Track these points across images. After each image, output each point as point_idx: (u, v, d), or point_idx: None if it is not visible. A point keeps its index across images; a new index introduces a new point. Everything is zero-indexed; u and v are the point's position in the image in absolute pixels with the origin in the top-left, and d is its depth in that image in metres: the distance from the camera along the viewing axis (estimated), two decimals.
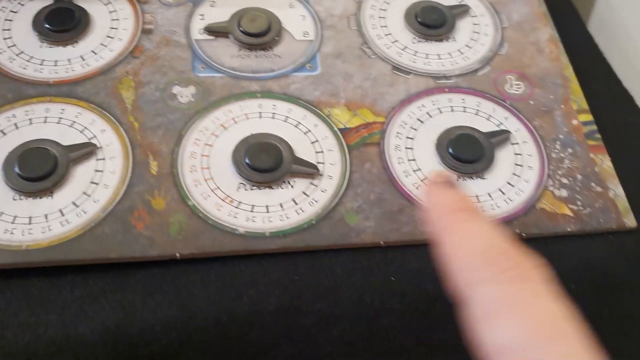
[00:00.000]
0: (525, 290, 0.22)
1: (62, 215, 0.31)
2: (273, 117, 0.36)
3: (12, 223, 0.31)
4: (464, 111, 0.37)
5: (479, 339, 0.22)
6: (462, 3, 0.42)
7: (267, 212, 0.32)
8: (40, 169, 0.32)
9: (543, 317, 0.21)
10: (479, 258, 0.23)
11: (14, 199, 0.31)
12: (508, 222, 0.33)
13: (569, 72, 0.39)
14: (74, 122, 0.34)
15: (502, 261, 0.22)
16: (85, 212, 0.31)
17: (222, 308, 0.29)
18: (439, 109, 0.37)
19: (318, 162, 0.34)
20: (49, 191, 0.32)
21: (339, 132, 0.35)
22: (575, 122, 0.37)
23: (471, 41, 0.40)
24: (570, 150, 0.36)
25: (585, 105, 0.38)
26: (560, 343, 0.21)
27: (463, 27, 0.41)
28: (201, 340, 0.29)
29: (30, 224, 0.31)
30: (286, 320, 0.30)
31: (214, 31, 0.38)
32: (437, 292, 0.31)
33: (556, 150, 0.36)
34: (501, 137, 0.35)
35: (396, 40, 0.40)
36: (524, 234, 0.33)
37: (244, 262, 0.31)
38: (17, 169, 0.32)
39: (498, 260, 0.22)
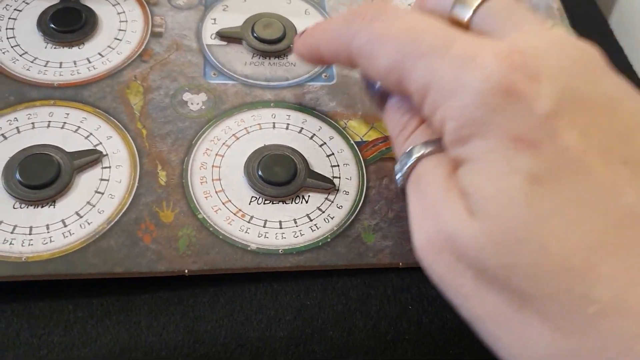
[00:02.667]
0: (385, 20, 0.25)
1: (65, 225, 0.30)
2: (287, 128, 0.34)
3: (12, 233, 0.29)
4: None
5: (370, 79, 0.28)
6: None
7: (280, 227, 0.31)
8: (42, 176, 0.30)
9: (404, 27, 0.24)
10: (346, 21, 0.27)
11: (14, 207, 0.30)
12: None
13: None
14: (79, 127, 0.33)
15: (361, 11, 0.27)
16: (89, 223, 0.30)
17: (230, 333, 0.28)
18: None
19: (333, 177, 0.33)
20: (51, 200, 0.30)
21: (355, 146, 0.34)
22: None
23: None
24: None
25: None
26: (423, 38, 0.24)
27: None
28: None
29: (30, 234, 0.29)
30: (297, 348, 0.28)
31: (227, 36, 0.37)
32: (456, 323, 0.29)
33: None
34: None
35: None
36: None
37: (254, 284, 0.30)
38: (18, 176, 0.30)
39: (358, 12, 0.27)
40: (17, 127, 0.32)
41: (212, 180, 0.32)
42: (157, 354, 0.27)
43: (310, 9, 0.39)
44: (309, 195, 0.32)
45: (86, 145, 0.32)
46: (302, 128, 0.34)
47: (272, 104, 0.35)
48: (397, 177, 0.26)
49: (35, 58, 0.35)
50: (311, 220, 0.31)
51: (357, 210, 0.32)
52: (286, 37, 0.37)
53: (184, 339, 0.27)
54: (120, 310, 0.28)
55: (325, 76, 0.37)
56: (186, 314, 0.28)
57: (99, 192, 0.31)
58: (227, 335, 0.28)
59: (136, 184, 0.31)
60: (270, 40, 0.37)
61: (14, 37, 0.36)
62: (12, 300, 0.28)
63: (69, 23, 0.36)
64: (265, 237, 0.30)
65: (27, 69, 0.34)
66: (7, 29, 0.36)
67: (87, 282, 0.29)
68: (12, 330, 0.27)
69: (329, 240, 0.31)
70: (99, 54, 0.36)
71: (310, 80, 0.36)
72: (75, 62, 0.35)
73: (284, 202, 0.32)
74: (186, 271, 0.29)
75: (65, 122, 0.33)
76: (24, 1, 0.37)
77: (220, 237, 0.30)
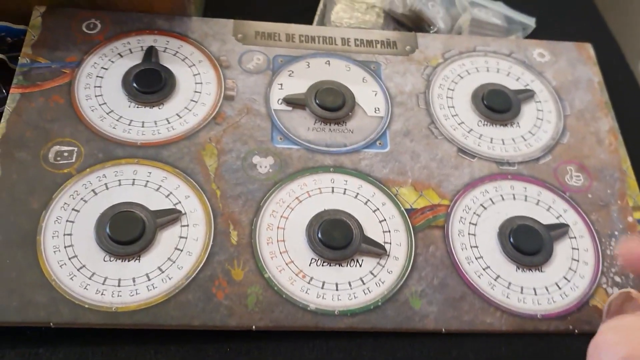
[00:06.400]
0: None
1: (149, 279, 0.33)
2: (344, 193, 0.38)
3: (103, 284, 0.33)
4: (525, 200, 0.39)
5: None
6: (528, 87, 0.44)
7: (337, 289, 0.35)
8: (130, 233, 0.34)
9: None
10: None
11: (105, 260, 0.34)
12: (562, 317, 0.35)
13: (627, 165, 0.41)
14: (160, 186, 0.36)
15: None
16: (170, 278, 0.34)
17: None
18: (501, 195, 0.39)
19: (385, 242, 0.36)
20: (137, 255, 0.34)
21: (405, 213, 0.37)
22: (630, 219, 0.39)
23: (534, 127, 0.42)
24: None
25: None
26: None
27: (527, 112, 0.43)
28: None
29: (119, 286, 0.33)
30: None
31: (292, 102, 0.40)
32: None
33: (611, 247, 0.37)
34: (561, 230, 0.37)
35: (462, 122, 0.42)
36: (576, 330, 0.35)
37: (311, 340, 0.33)
38: (108, 231, 0.34)
39: None
40: (105, 184, 0.36)
41: (277, 241, 0.36)
42: None
43: (368, 77, 0.43)
44: (362, 260, 0.36)
45: (167, 204, 0.36)
46: (357, 193, 0.38)
47: (331, 169, 0.38)
48: None
49: (120, 117, 0.39)
50: (364, 284, 0.35)
51: (406, 276, 0.35)
52: (346, 105, 0.40)
53: None
54: (195, 357, 0.32)
55: (380, 143, 0.40)
56: None
57: (178, 249, 0.35)
58: None
59: (211, 243, 0.35)
60: (332, 108, 0.40)
61: (101, 95, 0.39)
62: (101, 343, 0.32)
63: (150, 84, 0.40)
64: (323, 297, 0.34)
65: (114, 127, 0.38)
66: (95, 86, 0.40)
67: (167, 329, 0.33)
68: None
69: (379, 304, 0.34)
70: (177, 114, 0.39)
71: (366, 147, 0.40)
72: (155, 122, 0.39)
73: (340, 264, 0.35)
74: (254, 327, 0.33)
75: (148, 181, 0.37)
76: (109, 60, 0.41)
77: (284, 296, 0.34)
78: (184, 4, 0.43)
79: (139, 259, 0.34)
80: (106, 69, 0.40)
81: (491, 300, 0.35)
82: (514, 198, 0.39)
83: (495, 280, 0.36)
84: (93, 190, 0.36)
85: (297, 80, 0.42)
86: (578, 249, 0.37)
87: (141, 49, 0.41)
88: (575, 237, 0.38)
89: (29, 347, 0.32)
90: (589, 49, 0.46)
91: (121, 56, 0.41)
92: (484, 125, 0.42)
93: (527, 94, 0.43)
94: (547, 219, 0.38)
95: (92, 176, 0.36)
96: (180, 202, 0.36)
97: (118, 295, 0.33)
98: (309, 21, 0.47)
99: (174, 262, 0.34)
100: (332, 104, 0.40)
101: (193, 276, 0.34)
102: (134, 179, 0.37)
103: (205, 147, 0.38)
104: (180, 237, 0.35)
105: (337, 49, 0.44)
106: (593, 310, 0.35)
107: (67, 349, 0.32)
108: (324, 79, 0.42)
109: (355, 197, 0.38)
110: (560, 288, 0.36)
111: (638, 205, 0.39)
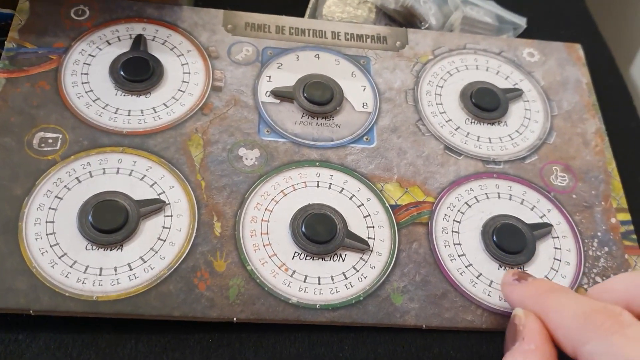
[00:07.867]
0: (624, 336, 0.26)
1: (131, 269, 0.33)
2: (329, 188, 0.38)
3: (84, 273, 0.33)
4: (510, 199, 0.39)
5: None
6: (516, 87, 0.44)
7: (319, 283, 0.35)
8: (112, 222, 0.34)
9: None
10: (580, 321, 0.27)
11: (87, 249, 0.34)
12: None
13: (612, 167, 0.41)
14: (145, 175, 0.36)
15: (598, 317, 0.27)
16: (152, 268, 0.34)
17: None
18: (486, 194, 0.39)
19: (368, 237, 0.36)
20: (119, 244, 0.34)
21: (390, 209, 0.37)
22: (613, 220, 0.39)
23: (521, 127, 0.42)
24: (606, 249, 0.38)
25: (624, 204, 0.40)
26: None
27: (515, 111, 0.43)
28: None
29: (100, 275, 0.33)
30: None
31: (280, 95, 0.40)
32: None
33: (593, 248, 0.38)
34: (544, 230, 0.37)
35: (450, 120, 0.42)
36: None
37: (293, 333, 0.33)
38: (91, 219, 0.34)
39: (595, 317, 0.27)
40: (89, 172, 0.36)
41: (261, 233, 0.36)
42: None
43: (357, 72, 0.42)
44: (345, 254, 0.36)
45: (151, 194, 0.36)
46: (343, 188, 0.38)
47: (317, 163, 0.38)
48: None
49: (107, 105, 0.38)
50: (346, 278, 0.35)
51: (388, 271, 0.35)
52: (334, 100, 0.40)
53: None
54: (176, 348, 0.32)
55: (367, 139, 0.40)
56: (233, 356, 0.32)
57: (161, 239, 0.34)
58: None
59: (194, 234, 0.35)
60: (319, 102, 0.40)
61: (88, 82, 0.39)
62: (82, 332, 0.32)
63: (138, 73, 0.39)
64: (305, 291, 0.34)
65: (99, 115, 0.38)
66: (82, 73, 0.39)
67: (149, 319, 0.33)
68: None
69: (361, 299, 0.34)
70: (164, 104, 0.39)
71: (353, 142, 0.40)
72: (142, 111, 0.39)
73: (323, 258, 0.35)
74: (235, 319, 0.33)
75: (132, 170, 0.36)
76: (97, 47, 0.40)
77: (266, 289, 0.34)
78: None
79: (121, 248, 0.34)
80: (94, 56, 0.40)
81: (472, 298, 0.35)
82: (499, 197, 0.39)
83: (477, 278, 0.36)
84: (77, 177, 0.36)
85: (286, 72, 0.41)
86: (561, 249, 0.37)
87: (129, 37, 0.41)
88: (558, 237, 0.38)
89: (9, 333, 0.32)
90: (578, 49, 0.46)
91: (109, 44, 0.41)
92: (471, 123, 0.42)
93: (516, 93, 0.43)
94: (530, 218, 0.38)
95: (77, 164, 0.36)
96: (164, 192, 0.36)
97: (99, 284, 0.33)
98: (300, 15, 0.47)
99: (157, 252, 0.34)
100: (320, 97, 0.40)
101: (175, 267, 0.34)
102: (118, 168, 0.36)
103: (191, 137, 0.38)
104: (164, 227, 0.35)
105: (327, 42, 0.44)
106: None
107: (48, 336, 0.32)
108: (312, 73, 0.41)
109: (341, 192, 0.38)
110: None
111: (621, 207, 0.39)
